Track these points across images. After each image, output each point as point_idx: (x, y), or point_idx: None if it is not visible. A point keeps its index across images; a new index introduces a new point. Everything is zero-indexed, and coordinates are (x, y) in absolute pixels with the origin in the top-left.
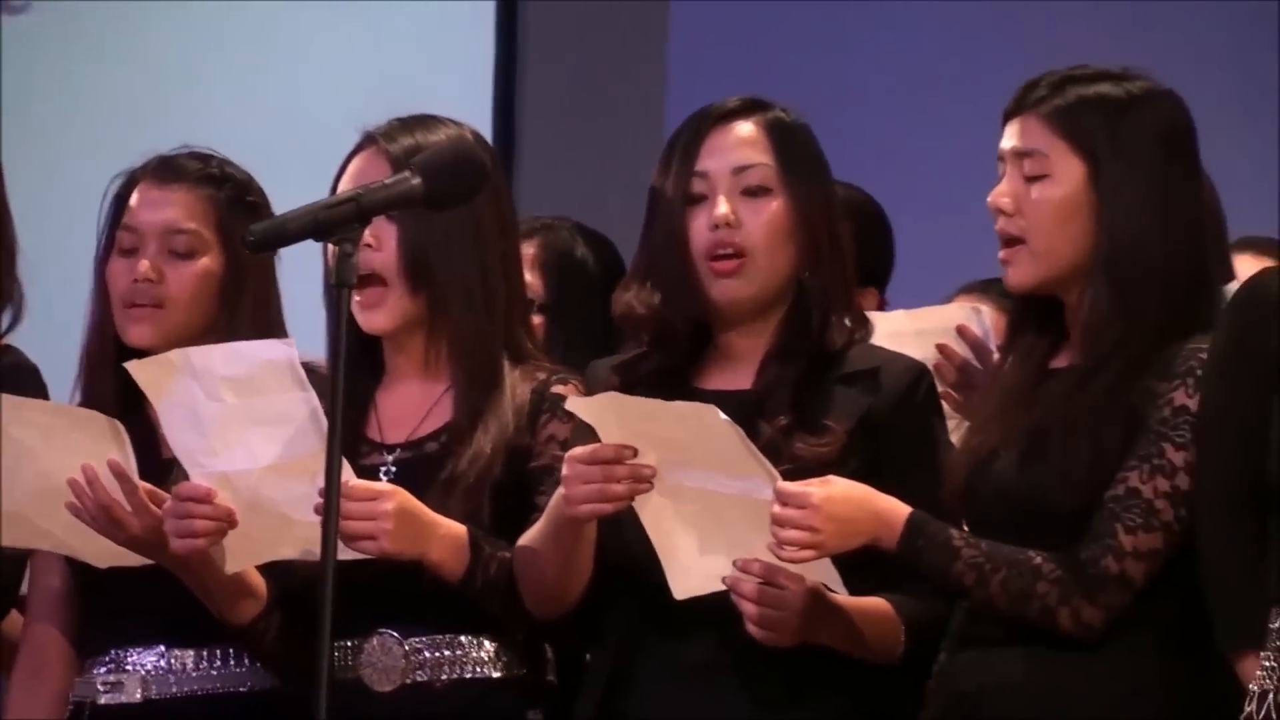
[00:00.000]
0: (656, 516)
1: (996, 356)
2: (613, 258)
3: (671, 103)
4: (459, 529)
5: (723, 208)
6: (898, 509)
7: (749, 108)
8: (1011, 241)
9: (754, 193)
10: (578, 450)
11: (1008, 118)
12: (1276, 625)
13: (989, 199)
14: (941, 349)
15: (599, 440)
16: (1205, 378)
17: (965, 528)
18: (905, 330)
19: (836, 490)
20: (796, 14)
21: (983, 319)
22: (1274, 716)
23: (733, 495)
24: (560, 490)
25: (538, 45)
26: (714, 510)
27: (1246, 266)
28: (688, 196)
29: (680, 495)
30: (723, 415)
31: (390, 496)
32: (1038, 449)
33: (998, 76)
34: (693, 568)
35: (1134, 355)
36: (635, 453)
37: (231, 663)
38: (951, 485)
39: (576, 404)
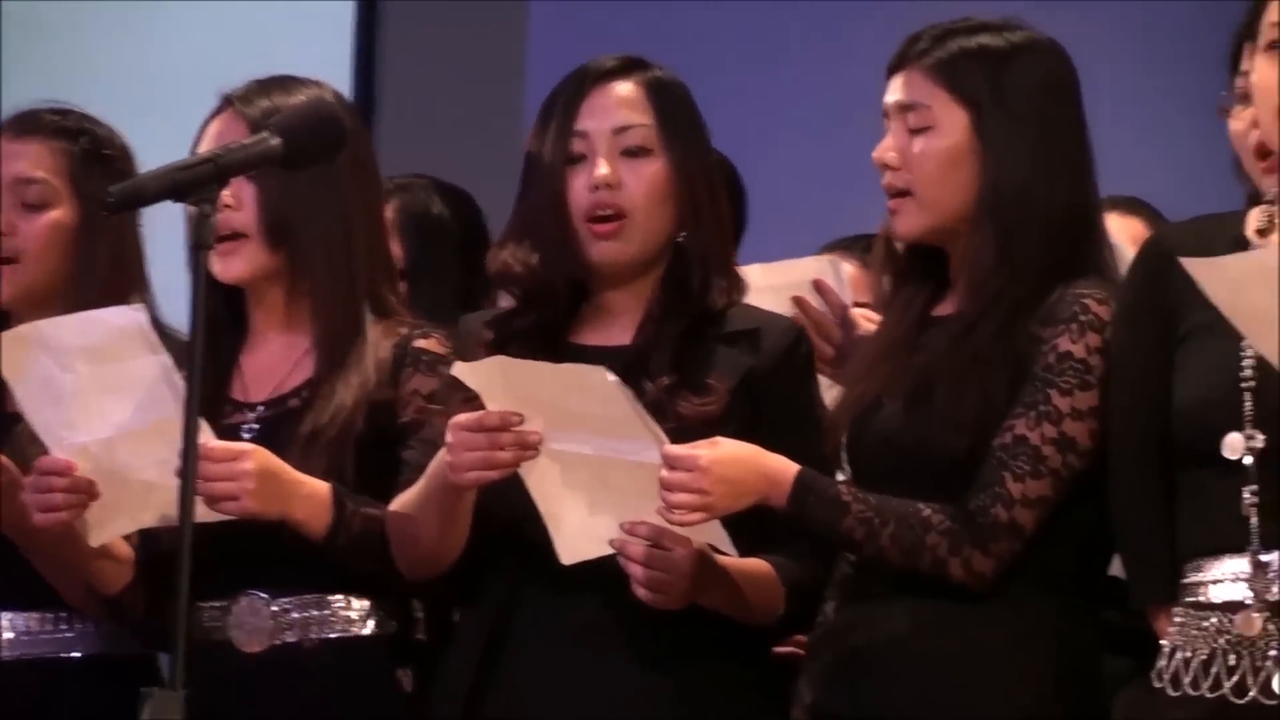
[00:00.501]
0: (542, 481)
1: (852, 310)
2: (472, 212)
3: (532, 60)
4: (322, 486)
5: (603, 169)
6: (786, 468)
7: (628, 67)
8: (899, 194)
9: (634, 153)
10: (462, 417)
11: (891, 72)
12: (1187, 581)
13: (874, 153)
14: (798, 302)
15: (467, 394)
16: (1112, 332)
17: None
18: (761, 285)
19: (724, 452)
20: None
21: (839, 270)
22: (1183, 672)
23: (620, 459)
24: (443, 454)
25: (397, 10)
26: (601, 474)
27: (1113, 225)
28: (567, 156)
29: (567, 460)
30: (612, 377)
31: (250, 455)
32: (923, 396)
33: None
34: (580, 532)
35: (1018, 300)
36: (521, 419)
37: (63, 627)
38: (833, 434)
39: (462, 369)
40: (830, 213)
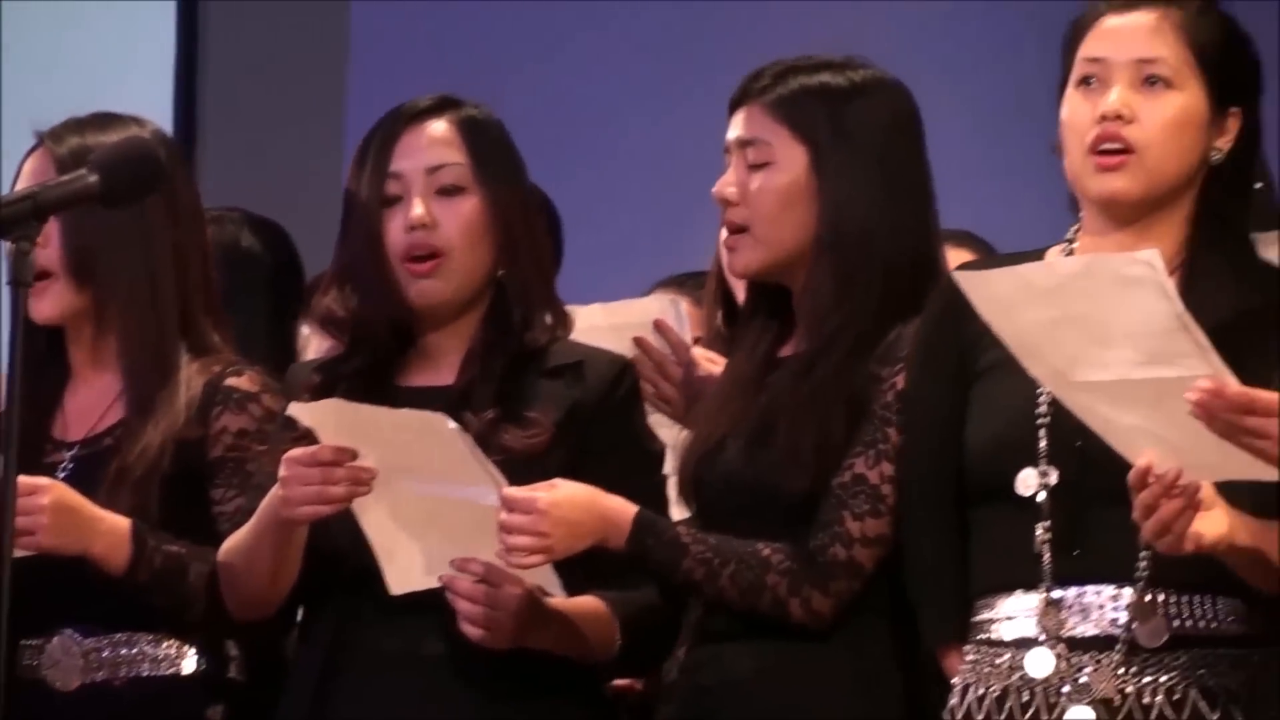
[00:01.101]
0: (376, 517)
1: (693, 349)
2: (283, 245)
3: (353, 98)
4: (122, 522)
5: (418, 209)
6: (624, 509)
7: (441, 106)
8: (737, 230)
9: (448, 192)
10: (297, 451)
11: (733, 108)
12: (979, 619)
13: (714, 189)
14: (639, 342)
15: (297, 434)
16: (907, 369)
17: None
18: (601, 324)
19: (562, 494)
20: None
21: (679, 310)
22: (975, 710)
23: (457, 500)
24: (275, 491)
25: (218, 43)
26: (435, 512)
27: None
28: (383, 198)
29: (401, 497)
30: (451, 424)
31: (46, 490)
32: (765, 436)
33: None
34: (410, 565)
35: (858, 338)
36: (355, 455)
37: None
38: (680, 475)
39: (298, 409)
40: (671, 246)
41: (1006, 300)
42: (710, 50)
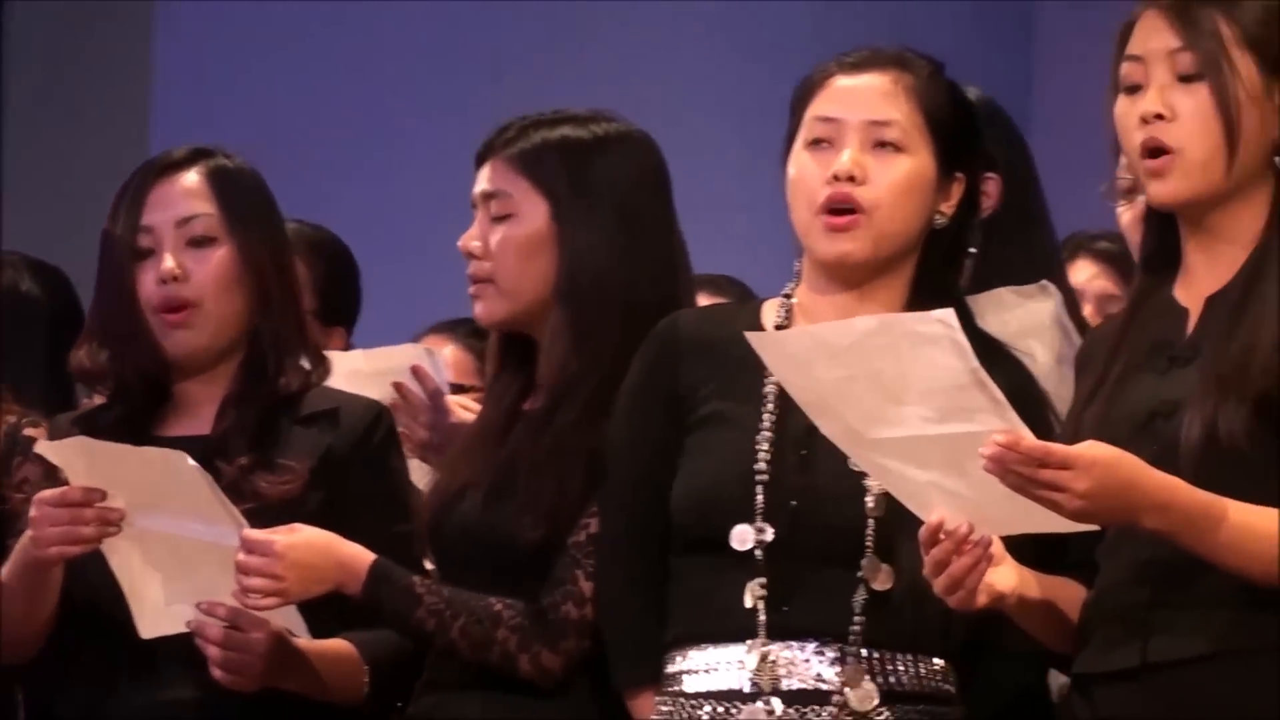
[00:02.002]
0: (125, 558)
1: (448, 397)
2: (63, 289)
3: (156, 126)
4: None
5: (168, 262)
6: (361, 556)
7: (193, 157)
8: (482, 281)
9: (199, 243)
10: (45, 493)
11: (479, 162)
12: (677, 669)
13: (459, 242)
14: (397, 388)
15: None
16: (615, 414)
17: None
18: (363, 370)
19: (300, 538)
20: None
21: (436, 360)
22: None
23: (202, 540)
24: (28, 532)
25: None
26: (183, 554)
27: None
28: (135, 251)
29: (150, 539)
30: (191, 461)
31: None
32: (504, 487)
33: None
34: (160, 608)
35: (597, 392)
36: (104, 495)
37: None
38: (420, 523)
39: (45, 447)
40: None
41: (800, 359)
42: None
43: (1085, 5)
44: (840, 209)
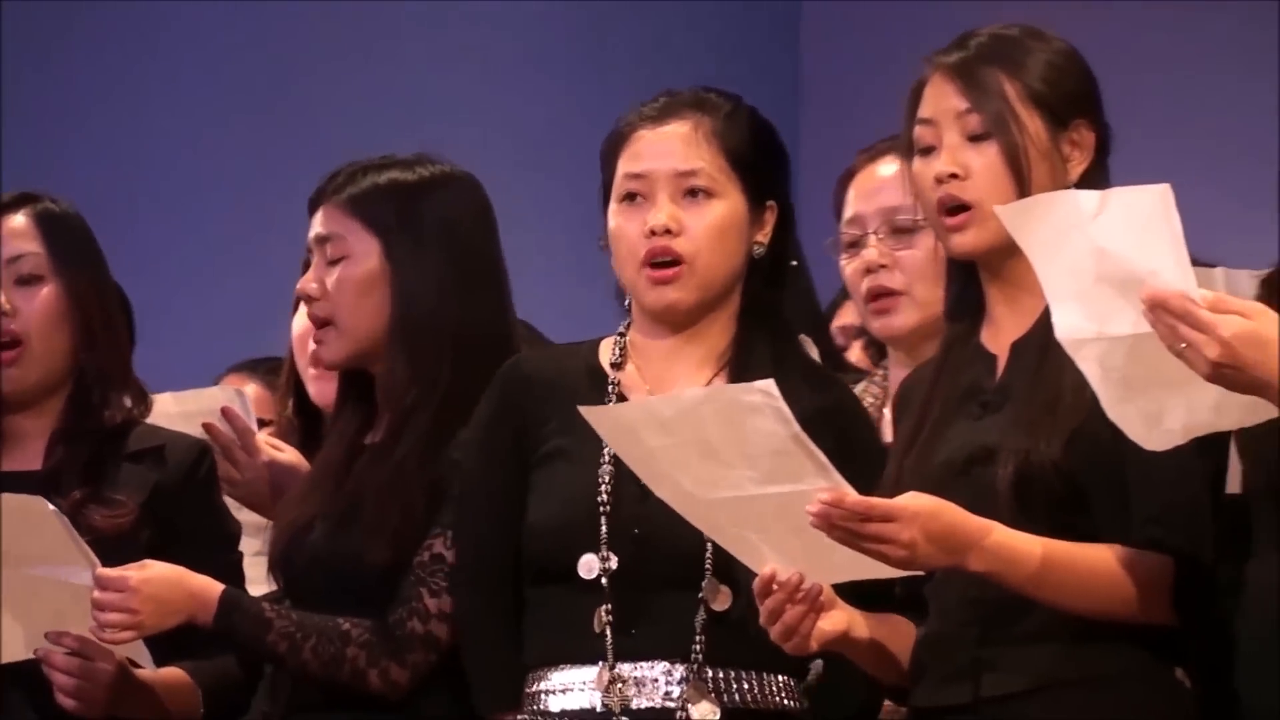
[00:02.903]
0: None
1: (257, 433)
2: None
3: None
4: None
5: None
6: (211, 587)
7: (20, 201)
8: (322, 324)
9: (27, 281)
10: None
11: (312, 208)
12: (535, 690)
13: (298, 286)
14: (208, 429)
15: None
16: (465, 453)
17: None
18: (173, 411)
19: (153, 573)
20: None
21: (245, 401)
22: None
23: (54, 580)
24: None
25: None
26: (35, 590)
27: None
28: None
29: (4, 576)
30: (49, 506)
31: None
32: (350, 516)
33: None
34: (14, 638)
35: (435, 421)
36: None
37: None
38: (270, 554)
39: None
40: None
41: (632, 430)
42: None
43: (852, 5)
44: (661, 262)
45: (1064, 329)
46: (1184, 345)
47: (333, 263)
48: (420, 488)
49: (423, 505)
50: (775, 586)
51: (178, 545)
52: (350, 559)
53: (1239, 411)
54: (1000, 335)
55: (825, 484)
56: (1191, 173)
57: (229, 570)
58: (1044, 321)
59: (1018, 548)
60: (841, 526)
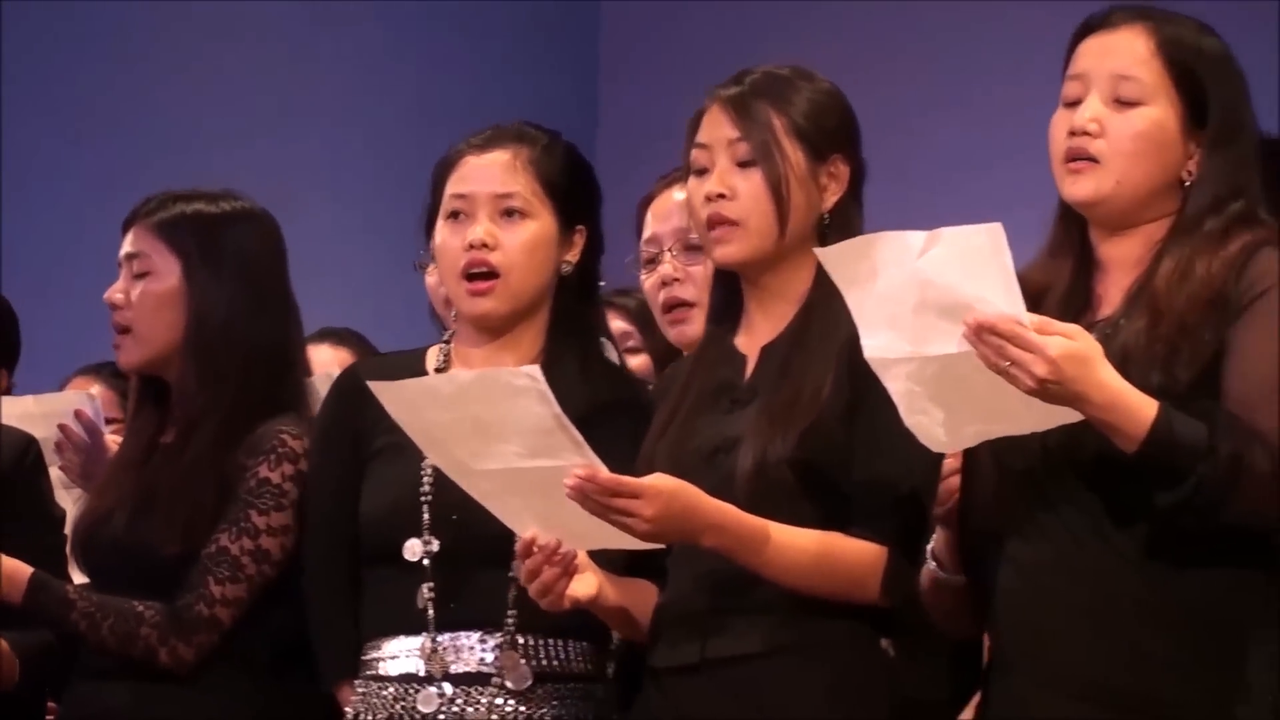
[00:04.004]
0: None
1: (106, 435)
2: None
3: None
4: None
5: None
6: (21, 569)
7: None
8: (122, 330)
9: None
10: None
11: (125, 228)
12: (369, 657)
13: (105, 296)
14: (62, 428)
15: None
16: (310, 452)
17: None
18: (34, 412)
19: None
20: None
21: (96, 404)
22: None
23: None
24: None
25: None
26: None
27: (324, 354)
28: None
29: None
30: None
31: None
32: (145, 508)
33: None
34: None
35: (223, 426)
36: None
37: None
38: (72, 541)
39: None
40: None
41: (414, 405)
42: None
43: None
44: (478, 274)
45: (872, 349)
46: (1009, 364)
47: (138, 277)
48: (209, 486)
49: (211, 502)
50: (535, 549)
51: (4, 529)
52: (145, 548)
53: (1034, 419)
54: (754, 338)
55: (581, 461)
56: None
57: (53, 552)
58: (793, 328)
59: (748, 530)
60: (594, 499)
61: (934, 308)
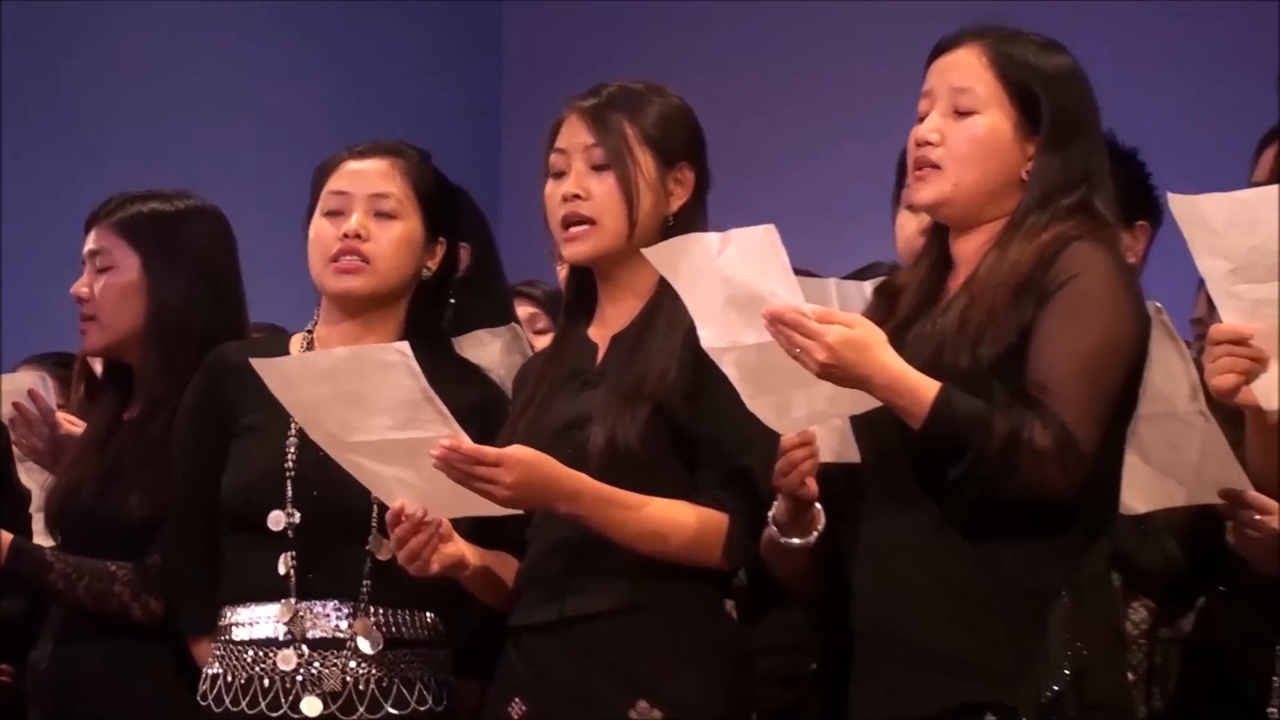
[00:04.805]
0: None
1: (59, 414)
2: None
3: None
4: None
5: None
6: (3, 536)
7: None
8: (88, 319)
9: None
10: None
11: (87, 228)
12: (228, 622)
13: (72, 289)
14: (16, 407)
15: None
16: (177, 426)
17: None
18: None
19: None
20: None
21: (48, 385)
22: (225, 692)
23: None
24: None
25: None
26: None
27: None
28: None
29: None
30: None
31: None
32: (113, 478)
33: None
34: None
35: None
36: None
37: None
38: (46, 512)
39: None
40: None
41: (291, 380)
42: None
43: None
44: (348, 266)
45: (706, 340)
46: (798, 350)
47: (100, 271)
48: (170, 456)
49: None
50: (404, 518)
51: None
52: (114, 514)
53: (849, 402)
54: (605, 328)
55: (447, 432)
56: (1191, 171)
57: (18, 528)
58: (640, 318)
59: (601, 498)
60: (458, 468)
61: (738, 302)
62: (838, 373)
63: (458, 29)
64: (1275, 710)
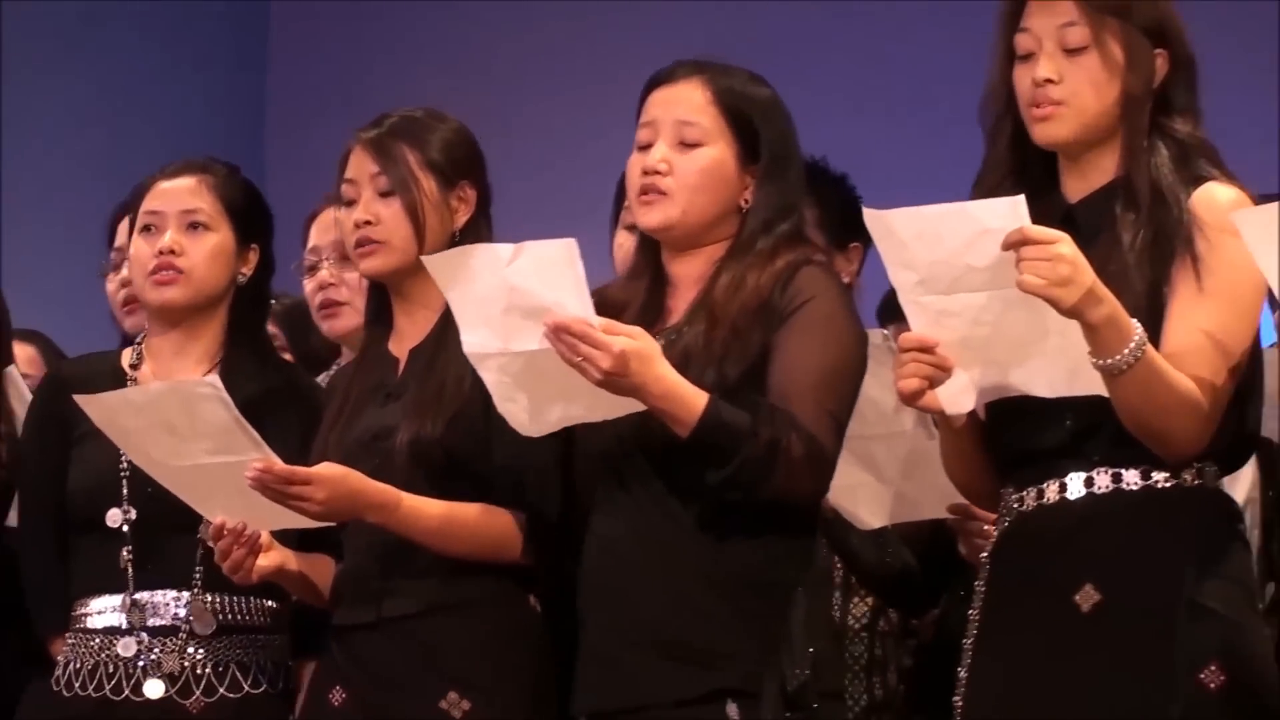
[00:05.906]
0: None
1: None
2: None
3: None
4: None
5: None
6: None
7: None
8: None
9: None
10: None
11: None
12: (78, 613)
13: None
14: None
15: None
16: (22, 440)
17: None
18: None
19: None
20: None
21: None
22: (74, 678)
23: None
24: None
25: None
26: None
27: (18, 353)
28: None
29: None
30: None
31: None
32: None
33: None
34: None
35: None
36: None
37: None
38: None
39: None
40: None
41: (114, 413)
42: None
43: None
44: (164, 279)
45: (470, 345)
46: (580, 359)
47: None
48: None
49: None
50: (225, 533)
51: None
52: None
53: (604, 409)
54: (403, 342)
55: (259, 455)
56: None
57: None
58: (435, 332)
59: (405, 506)
60: (272, 488)
61: (520, 310)
62: (619, 381)
63: (224, 55)
64: (963, 671)
